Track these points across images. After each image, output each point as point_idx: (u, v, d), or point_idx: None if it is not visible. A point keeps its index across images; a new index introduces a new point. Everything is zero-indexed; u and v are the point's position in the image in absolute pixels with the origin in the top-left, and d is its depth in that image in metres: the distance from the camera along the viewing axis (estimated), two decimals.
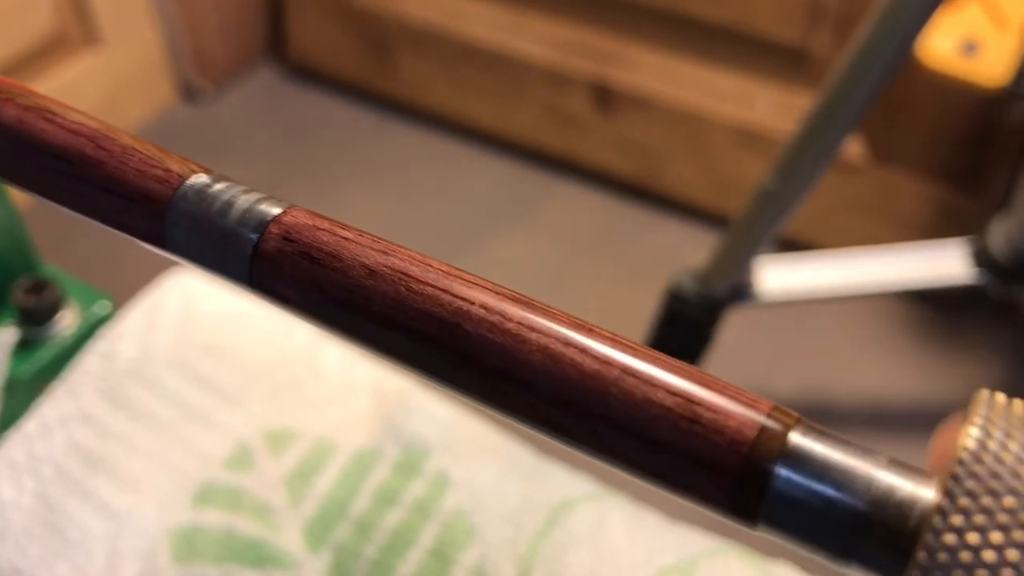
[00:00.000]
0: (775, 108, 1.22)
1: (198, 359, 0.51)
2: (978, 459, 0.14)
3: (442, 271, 0.19)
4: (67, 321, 0.54)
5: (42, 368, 0.52)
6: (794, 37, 1.19)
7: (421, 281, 0.19)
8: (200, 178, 0.21)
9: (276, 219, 0.19)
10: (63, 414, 0.49)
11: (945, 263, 0.99)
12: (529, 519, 0.46)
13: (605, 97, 1.30)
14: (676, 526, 0.46)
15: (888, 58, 0.78)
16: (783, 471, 0.16)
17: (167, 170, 0.20)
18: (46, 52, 1.31)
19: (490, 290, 0.18)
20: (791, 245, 1.21)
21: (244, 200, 0.20)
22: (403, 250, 0.19)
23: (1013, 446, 0.14)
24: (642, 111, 1.28)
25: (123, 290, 0.57)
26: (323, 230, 0.19)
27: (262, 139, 1.46)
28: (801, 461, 0.16)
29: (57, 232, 1.12)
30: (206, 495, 0.47)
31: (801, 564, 0.44)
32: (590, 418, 0.17)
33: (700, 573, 0.44)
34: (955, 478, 0.14)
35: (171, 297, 0.53)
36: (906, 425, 1.07)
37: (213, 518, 0.46)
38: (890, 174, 1.16)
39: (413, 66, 1.43)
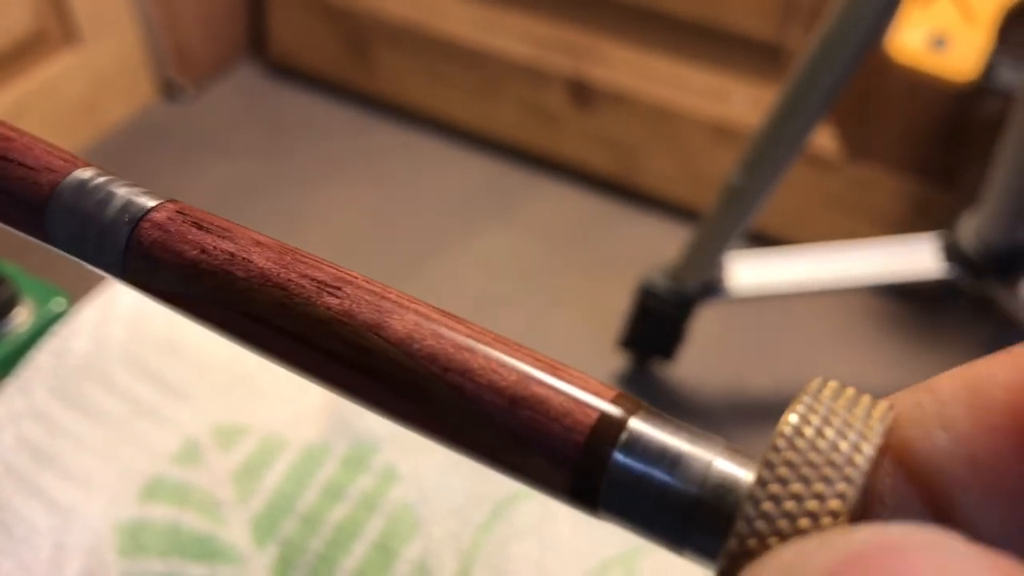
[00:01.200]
0: (751, 103, 1.23)
1: (151, 355, 0.52)
2: (792, 445, 0.15)
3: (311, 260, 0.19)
4: (21, 318, 0.54)
5: None
6: (769, 32, 1.20)
7: (299, 262, 0.19)
8: (83, 173, 0.21)
9: (142, 218, 0.20)
10: (13, 411, 0.49)
11: (916, 258, 0.99)
12: (474, 512, 0.46)
13: (582, 93, 1.30)
14: None
15: (852, 48, 0.78)
16: (620, 457, 0.16)
17: (45, 170, 0.21)
18: (25, 51, 1.31)
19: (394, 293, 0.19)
20: (765, 240, 1.22)
21: (120, 194, 0.20)
22: (267, 240, 0.19)
23: (829, 432, 0.15)
24: (619, 107, 1.28)
25: (79, 287, 0.57)
26: (182, 232, 0.20)
27: (242, 137, 1.46)
28: (638, 447, 0.16)
29: None
30: (153, 490, 0.47)
31: None
32: (429, 400, 0.17)
33: (643, 564, 0.44)
34: (769, 463, 0.15)
35: (125, 293, 0.53)
36: None
37: (160, 513, 0.47)
38: (863, 169, 1.16)
39: (392, 63, 1.44)
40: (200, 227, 0.20)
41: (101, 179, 0.21)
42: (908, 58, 0.99)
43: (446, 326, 0.18)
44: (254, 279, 0.19)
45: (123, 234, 0.20)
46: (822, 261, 1.00)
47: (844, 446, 0.15)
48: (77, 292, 0.56)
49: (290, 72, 1.54)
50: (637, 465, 0.16)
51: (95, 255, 0.21)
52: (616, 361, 1.13)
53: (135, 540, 0.46)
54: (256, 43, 1.58)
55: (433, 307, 0.18)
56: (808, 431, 0.15)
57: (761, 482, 0.14)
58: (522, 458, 0.17)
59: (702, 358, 1.13)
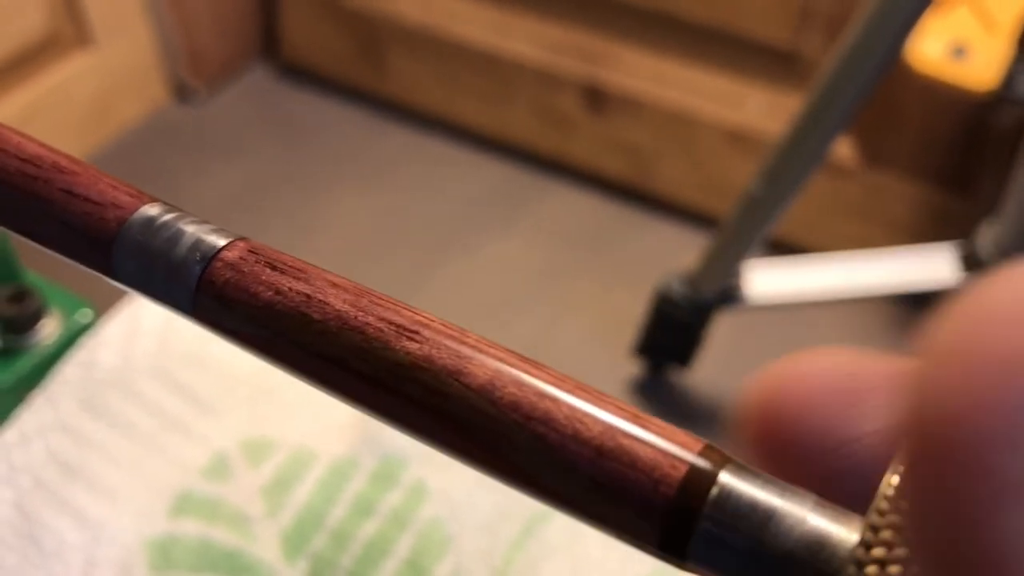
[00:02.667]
0: (765, 109, 1.22)
1: (178, 368, 0.52)
2: (896, 507, 0.14)
3: (384, 301, 0.19)
4: (49, 330, 0.54)
5: (23, 377, 0.53)
6: (785, 38, 1.19)
7: (372, 303, 0.19)
8: (150, 209, 0.21)
9: (214, 257, 0.20)
10: (42, 423, 0.49)
11: (934, 267, 0.99)
12: (505, 529, 0.46)
13: (596, 98, 1.30)
14: None
15: (875, 63, 0.78)
16: (710, 511, 0.16)
17: (111, 206, 0.21)
18: (39, 52, 1.31)
19: (437, 322, 0.19)
20: (782, 247, 1.21)
21: (189, 233, 0.20)
22: (342, 281, 0.19)
23: None
24: (633, 112, 1.28)
25: (105, 298, 0.57)
26: (255, 273, 0.19)
27: (255, 139, 1.46)
28: (729, 502, 0.16)
29: None
30: (183, 505, 0.47)
31: None
32: (513, 449, 0.17)
33: None
34: (874, 525, 0.14)
35: (152, 306, 0.53)
36: None
37: (190, 528, 0.46)
38: (881, 177, 1.16)
39: (405, 66, 1.43)
40: (274, 267, 0.19)
41: (169, 216, 0.21)
42: (928, 67, 0.99)
43: (527, 373, 0.18)
44: (331, 322, 0.18)
45: (194, 273, 0.20)
46: (840, 270, 1.00)
47: None
48: (103, 303, 0.56)
49: (302, 74, 1.54)
50: (728, 520, 0.16)
51: (164, 293, 0.21)
52: (629, 368, 1.13)
53: (166, 556, 0.45)
54: (269, 45, 1.58)
55: (512, 352, 0.18)
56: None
57: (865, 545, 0.14)
58: (608, 510, 0.17)
59: (717, 365, 1.13)
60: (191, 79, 1.50)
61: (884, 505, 0.15)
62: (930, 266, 1.00)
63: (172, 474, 0.48)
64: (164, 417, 0.50)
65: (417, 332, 0.18)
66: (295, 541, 0.47)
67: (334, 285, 0.19)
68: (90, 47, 1.37)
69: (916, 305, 1.19)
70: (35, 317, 0.53)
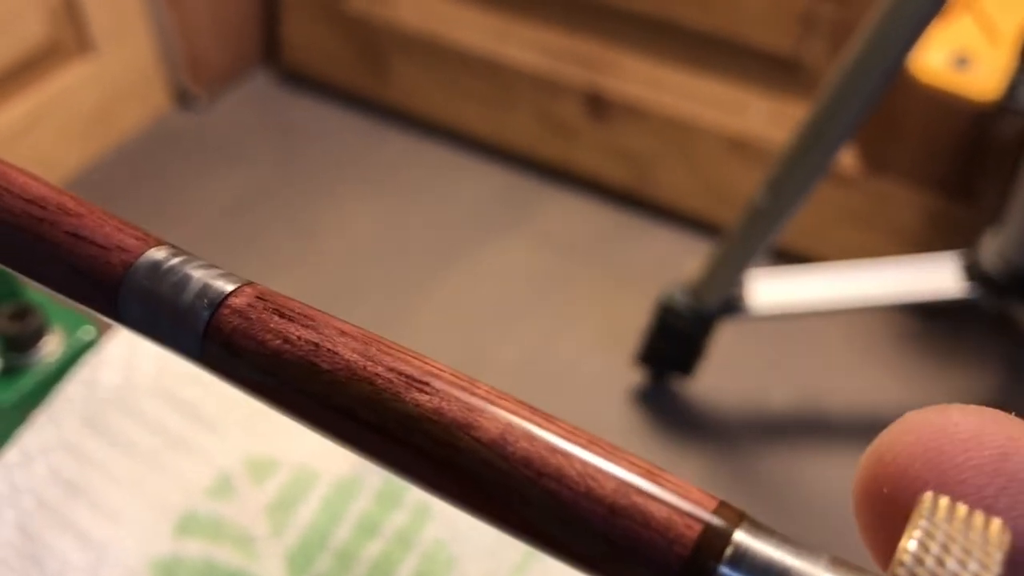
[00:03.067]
0: (767, 117, 1.22)
1: (180, 387, 0.51)
2: (916, 570, 0.14)
3: (399, 352, 0.19)
4: (51, 347, 0.54)
5: (25, 395, 0.52)
6: (786, 46, 1.19)
7: (381, 352, 0.18)
8: (156, 252, 0.21)
9: (228, 297, 0.19)
10: (45, 443, 0.49)
11: (937, 277, 0.99)
12: (508, 552, 0.46)
13: (597, 105, 1.30)
14: None
15: (880, 73, 0.78)
16: (726, 571, 0.16)
17: (117, 249, 0.20)
18: (40, 60, 1.31)
19: (449, 374, 0.18)
20: (785, 256, 1.21)
21: (197, 276, 0.20)
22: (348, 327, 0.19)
23: (950, 561, 0.14)
24: (634, 119, 1.28)
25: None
26: (263, 320, 0.19)
27: (256, 145, 1.46)
28: (744, 562, 0.16)
29: None
30: (187, 525, 0.47)
31: None
32: (524, 504, 0.17)
33: None
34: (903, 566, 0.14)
35: None
36: None
37: (194, 548, 0.46)
38: (884, 186, 1.16)
39: (406, 73, 1.43)
40: (282, 315, 0.19)
41: (176, 260, 0.21)
42: (931, 77, 0.99)
43: (538, 426, 0.17)
44: (339, 372, 0.18)
45: (201, 320, 0.20)
46: (843, 280, 1.00)
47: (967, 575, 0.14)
48: (105, 321, 0.56)
49: (304, 81, 1.54)
50: None
51: (171, 339, 0.20)
52: (631, 376, 1.13)
53: None
54: (270, 52, 1.57)
55: (523, 404, 0.18)
56: (928, 560, 0.14)
57: None
58: (621, 569, 0.16)
59: (719, 374, 1.12)
60: (192, 86, 1.50)
61: (901, 572, 0.14)
62: (933, 276, 0.99)
63: (175, 493, 0.48)
64: (167, 436, 0.50)
65: (427, 383, 0.18)
66: (299, 562, 0.46)
67: (343, 333, 0.19)
68: (91, 54, 1.36)
69: (920, 314, 1.19)
70: (37, 335, 0.53)
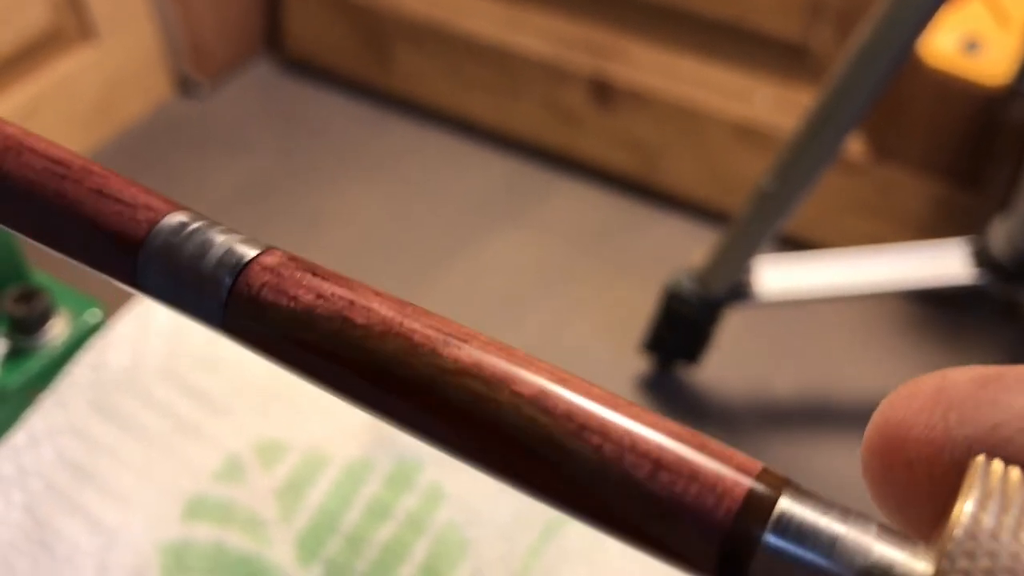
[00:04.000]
0: (774, 104, 1.22)
1: (189, 370, 0.51)
2: (973, 535, 0.14)
3: (434, 325, 0.18)
4: (57, 330, 0.53)
5: (32, 378, 0.52)
6: (794, 32, 1.19)
7: (416, 334, 0.18)
8: (176, 217, 0.20)
9: (251, 262, 0.19)
10: (52, 426, 0.48)
11: (945, 263, 0.98)
12: (523, 534, 0.45)
13: (604, 92, 1.29)
14: None
15: (888, 60, 0.77)
16: (771, 537, 0.15)
17: (143, 208, 0.20)
18: (42, 47, 1.30)
19: (483, 342, 0.18)
20: (792, 243, 1.21)
21: (220, 241, 0.19)
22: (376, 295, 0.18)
23: (1008, 521, 0.14)
24: (641, 106, 1.27)
25: (114, 298, 0.56)
26: (296, 277, 0.19)
27: (259, 133, 1.45)
28: (790, 527, 0.15)
29: None
30: (196, 509, 0.46)
31: None
32: (567, 461, 0.16)
33: None
34: (950, 555, 0.14)
35: (162, 307, 0.52)
36: None
37: (203, 532, 0.46)
38: (892, 172, 1.15)
39: (410, 60, 1.43)
40: (315, 273, 0.19)
41: (201, 223, 0.20)
42: (940, 62, 0.98)
43: (579, 387, 0.17)
44: (375, 326, 0.18)
45: (225, 283, 0.19)
46: (851, 266, 0.99)
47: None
48: (112, 303, 0.55)
49: (307, 68, 1.53)
50: (790, 547, 0.15)
51: (193, 304, 0.20)
52: (637, 363, 1.12)
53: (179, 561, 0.45)
54: (273, 39, 1.57)
55: (561, 369, 0.18)
56: (987, 521, 0.14)
57: (943, 571, 0.14)
58: (664, 529, 0.16)
59: (726, 361, 1.12)
60: (195, 73, 1.49)
61: (959, 532, 0.14)
62: (942, 262, 0.99)
63: (184, 477, 0.48)
64: (175, 419, 0.49)
65: (465, 341, 0.18)
66: (310, 545, 0.46)
67: (377, 294, 0.18)
68: (93, 41, 1.36)
69: (927, 301, 1.19)
70: (44, 317, 0.53)
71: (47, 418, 0.49)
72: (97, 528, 0.45)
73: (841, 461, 1.03)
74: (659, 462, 0.16)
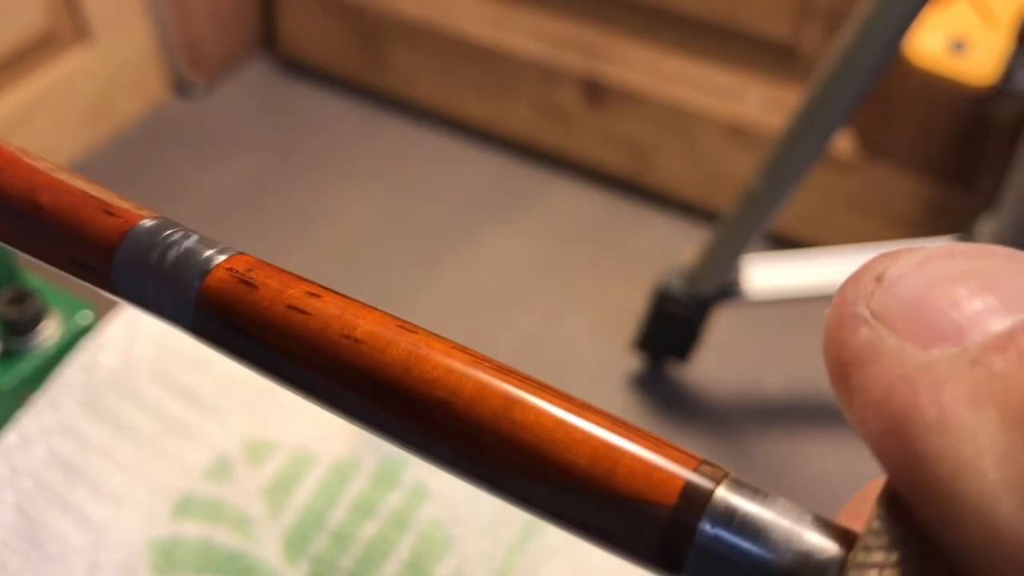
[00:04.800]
0: (765, 103, 1.22)
1: (179, 370, 0.52)
2: (891, 516, 0.15)
3: (394, 323, 0.19)
4: (49, 331, 0.54)
5: (24, 379, 0.53)
6: (784, 33, 1.19)
7: (370, 331, 0.19)
8: (146, 223, 0.21)
9: (218, 267, 0.20)
10: (44, 426, 0.49)
11: None
12: (505, 531, 0.46)
13: (595, 92, 1.30)
14: None
15: (874, 59, 0.78)
16: (707, 527, 0.16)
17: (113, 216, 0.21)
18: (37, 48, 1.31)
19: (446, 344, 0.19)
20: (781, 242, 1.21)
21: (189, 245, 0.20)
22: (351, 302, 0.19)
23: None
24: (632, 106, 1.28)
25: (105, 300, 0.57)
26: (261, 284, 0.19)
27: (254, 133, 1.46)
28: (725, 516, 0.16)
29: None
30: (185, 507, 0.47)
31: None
32: (511, 472, 0.17)
33: None
34: (867, 545, 0.14)
35: None
36: None
37: (192, 530, 0.47)
38: (880, 171, 1.16)
39: (404, 60, 1.43)
40: (281, 277, 0.19)
41: (172, 230, 0.21)
42: (927, 62, 0.99)
43: (531, 384, 0.18)
44: (332, 328, 0.19)
45: (196, 280, 0.20)
46: (839, 264, 1.00)
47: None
48: (103, 305, 0.56)
49: (301, 69, 1.54)
50: (725, 535, 0.16)
51: (161, 307, 0.21)
52: (629, 361, 1.13)
53: (168, 557, 0.46)
54: (268, 39, 1.57)
55: (515, 372, 0.18)
56: (900, 513, 0.15)
57: (858, 566, 0.14)
58: (602, 524, 0.17)
59: (716, 360, 1.13)
60: (190, 74, 1.50)
61: (876, 524, 0.15)
62: None
63: (174, 476, 0.48)
64: (165, 419, 0.50)
65: (414, 333, 0.18)
66: (296, 542, 0.47)
67: (340, 296, 0.19)
68: (89, 43, 1.36)
69: None
70: (36, 319, 0.53)
71: (39, 418, 0.50)
72: (88, 526, 0.46)
73: (829, 457, 1.04)
74: (594, 459, 0.17)
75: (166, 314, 0.21)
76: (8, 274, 0.55)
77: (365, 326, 0.18)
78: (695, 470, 0.17)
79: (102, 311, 0.55)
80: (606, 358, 1.14)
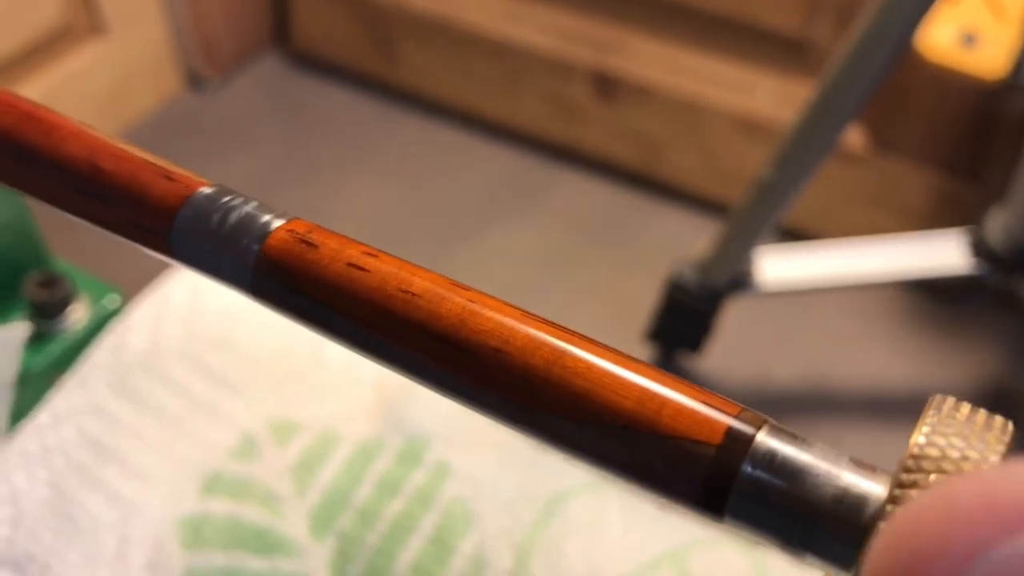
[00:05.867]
0: (775, 97, 1.23)
1: (205, 352, 0.53)
2: (920, 462, 0.15)
3: (449, 285, 0.20)
4: (78, 315, 0.55)
5: (54, 361, 0.54)
6: (795, 26, 1.20)
7: (425, 290, 0.20)
8: (205, 190, 0.22)
9: (279, 228, 0.21)
10: (74, 406, 0.50)
11: (943, 253, 1.00)
12: (527, 508, 0.47)
13: (606, 86, 1.31)
14: (670, 516, 0.48)
15: (886, 51, 0.79)
16: (749, 469, 0.17)
17: (174, 181, 0.22)
18: (53, 42, 1.32)
19: (487, 297, 0.20)
20: (792, 234, 1.22)
21: (248, 210, 0.21)
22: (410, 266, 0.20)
23: (955, 443, 0.16)
24: (643, 100, 1.29)
25: (132, 284, 0.58)
26: (320, 244, 0.20)
27: (267, 127, 1.47)
28: (767, 460, 0.17)
29: (68, 227, 1.13)
30: (213, 485, 0.48)
31: None
32: (561, 416, 0.18)
33: (694, 562, 0.45)
34: (901, 481, 0.15)
35: (178, 291, 0.54)
36: (905, 414, 1.08)
37: (220, 507, 0.48)
38: (890, 164, 1.17)
39: (416, 55, 1.44)
40: (336, 239, 0.20)
41: (231, 195, 0.22)
42: (938, 55, 1.00)
43: (566, 339, 0.19)
44: (390, 286, 0.19)
45: (256, 244, 0.21)
46: (850, 257, 1.01)
47: (967, 465, 0.15)
48: (130, 289, 0.57)
49: (314, 63, 1.55)
50: (766, 477, 0.17)
51: (224, 266, 0.21)
52: (641, 353, 1.14)
53: (197, 534, 0.47)
54: (280, 34, 1.58)
55: (558, 326, 0.19)
56: (933, 451, 0.16)
57: (893, 499, 0.15)
58: (648, 464, 0.18)
59: (728, 350, 1.13)
60: (204, 68, 1.51)
61: (910, 462, 0.16)
62: (940, 252, 1.00)
63: (202, 455, 0.49)
64: (193, 399, 0.51)
65: (466, 294, 0.19)
66: (322, 519, 0.48)
67: (392, 258, 0.20)
68: (103, 37, 1.38)
69: (925, 291, 1.20)
70: (64, 303, 0.55)
71: (69, 398, 0.51)
72: (118, 502, 0.47)
73: (840, 448, 1.05)
74: (641, 401, 0.18)
75: (225, 276, 0.21)
76: (38, 259, 0.56)
77: (421, 283, 0.19)
78: (737, 416, 0.17)
79: (129, 295, 0.57)
80: (617, 348, 1.15)
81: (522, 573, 0.45)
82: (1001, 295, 1.17)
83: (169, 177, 0.22)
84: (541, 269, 1.26)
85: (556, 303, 1.21)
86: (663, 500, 0.18)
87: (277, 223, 0.21)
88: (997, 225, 0.97)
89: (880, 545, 0.14)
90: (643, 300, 1.14)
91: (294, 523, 0.48)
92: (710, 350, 1.11)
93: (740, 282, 1.00)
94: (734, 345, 1.14)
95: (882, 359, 1.15)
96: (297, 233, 0.20)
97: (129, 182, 0.22)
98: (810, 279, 1.00)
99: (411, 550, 0.46)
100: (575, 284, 1.24)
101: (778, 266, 1.00)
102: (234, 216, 0.21)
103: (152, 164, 0.22)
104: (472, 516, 0.47)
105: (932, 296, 1.20)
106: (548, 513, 0.47)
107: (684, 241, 1.21)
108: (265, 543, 0.47)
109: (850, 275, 1.00)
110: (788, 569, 0.45)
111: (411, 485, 0.48)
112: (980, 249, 0.98)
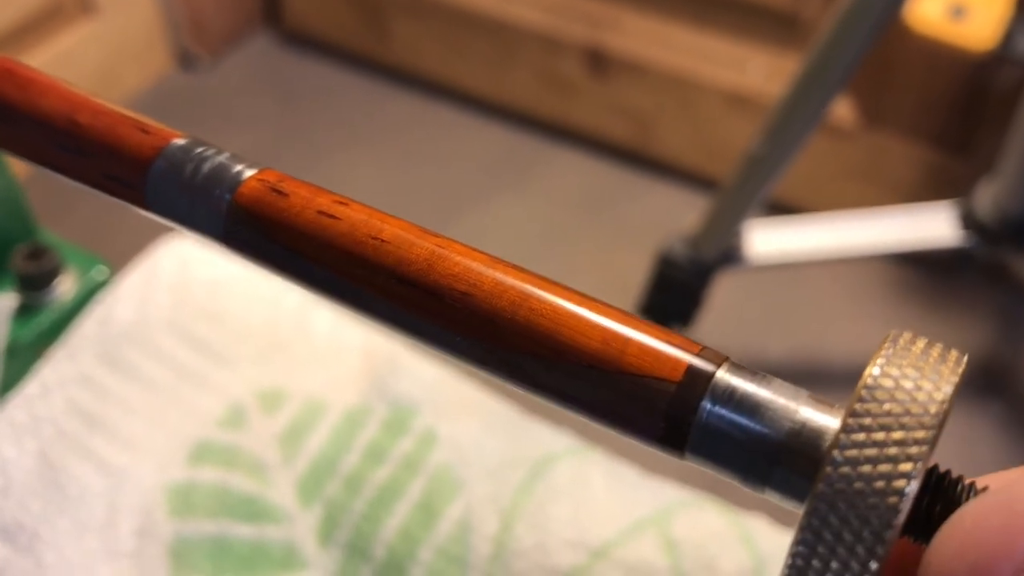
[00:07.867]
0: (766, 72, 1.23)
1: (193, 322, 0.53)
2: (873, 395, 0.16)
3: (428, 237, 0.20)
4: (66, 286, 0.55)
5: (42, 332, 0.54)
6: (785, 2, 1.20)
7: (405, 240, 0.20)
8: (179, 141, 0.22)
9: (251, 178, 0.21)
10: (62, 376, 0.50)
11: (932, 226, 1.00)
12: (512, 473, 0.47)
13: (598, 62, 1.31)
14: (652, 479, 0.48)
15: (874, 21, 0.79)
16: (708, 405, 0.17)
17: (148, 134, 0.22)
18: (42, 21, 1.31)
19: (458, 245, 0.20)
20: (782, 209, 1.22)
21: (220, 160, 0.21)
22: (380, 214, 0.21)
23: (909, 374, 0.16)
24: (635, 75, 1.29)
25: (120, 256, 0.58)
26: (291, 192, 0.21)
27: (258, 106, 1.47)
28: (726, 395, 0.17)
29: (55, 199, 1.13)
30: (201, 453, 0.49)
31: (774, 515, 0.46)
32: (528, 356, 0.18)
33: (675, 523, 0.46)
34: (855, 411, 0.16)
35: (166, 262, 0.54)
36: None
37: (208, 475, 0.48)
38: (880, 138, 1.17)
39: (407, 32, 1.44)
40: (306, 188, 0.21)
41: (203, 147, 0.22)
42: (926, 27, 1.00)
43: (532, 281, 0.19)
44: (359, 231, 0.20)
45: (228, 193, 0.21)
46: (840, 229, 1.01)
47: (921, 396, 0.16)
48: (117, 261, 0.57)
49: (305, 42, 1.55)
50: (725, 412, 0.17)
51: (196, 215, 0.22)
52: None
53: (185, 501, 0.47)
54: (271, 12, 1.58)
55: (538, 276, 0.19)
56: (887, 382, 0.16)
57: (846, 430, 0.16)
58: (612, 402, 0.18)
59: (718, 325, 1.14)
60: (194, 47, 1.50)
61: (863, 393, 0.16)
62: (929, 225, 1.01)
63: (190, 424, 0.50)
64: (180, 369, 0.52)
65: (439, 245, 0.20)
66: (310, 487, 0.48)
67: (361, 205, 0.20)
68: (93, 15, 1.37)
69: (915, 264, 1.21)
70: (52, 274, 0.55)
71: (57, 369, 0.51)
72: (107, 471, 0.48)
73: None
74: (605, 341, 0.18)
75: (198, 226, 0.22)
76: (25, 231, 0.56)
77: (390, 229, 0.20)
78: (698, 354, 0.18)
79: (116, 267, 0.57)
80: None
81: (508, 537, 0.45)
82: (990, 267, 1.17)
83: (144, 130, 0.22)
84: (533, 244, 1.26)
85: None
86: (627, 436, 0.18)
87: (249, 173, 0.21)
88: (986, 197, 0.97)
89: (944, 542, 0.15)
90: (634, 275, 1.14)
91: (282, 490, 0.48)
92: (701, 324, 1.12)
93: (730, 256, 1.00)
94: (725, 319, 1.14)
95: (872, 331, 1.15)
96: (268, 182, 0.21)
97: (105, 135, 0.22)
98: (800, 252, 1.01)
99: (398, 516, 0.47)
100: (567, 259, 1.24)
101: (768, 239, 1.01)
102: (207, 166, 0.21)
103: (128, 118, 0.22)
104: (458, 482, 0.48)
105: (922, 268, 1.21)
106: (533, 478, 0.47)
107: (676, 216, 1.21)
108: (253, 510, 0.47)
109: (840, 248, 1.01)
110: (767, 529, 0.45)
111: (398, 452, 0.49)
112: (969, 221, 0.99)
